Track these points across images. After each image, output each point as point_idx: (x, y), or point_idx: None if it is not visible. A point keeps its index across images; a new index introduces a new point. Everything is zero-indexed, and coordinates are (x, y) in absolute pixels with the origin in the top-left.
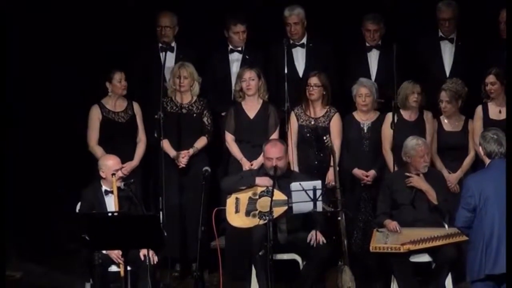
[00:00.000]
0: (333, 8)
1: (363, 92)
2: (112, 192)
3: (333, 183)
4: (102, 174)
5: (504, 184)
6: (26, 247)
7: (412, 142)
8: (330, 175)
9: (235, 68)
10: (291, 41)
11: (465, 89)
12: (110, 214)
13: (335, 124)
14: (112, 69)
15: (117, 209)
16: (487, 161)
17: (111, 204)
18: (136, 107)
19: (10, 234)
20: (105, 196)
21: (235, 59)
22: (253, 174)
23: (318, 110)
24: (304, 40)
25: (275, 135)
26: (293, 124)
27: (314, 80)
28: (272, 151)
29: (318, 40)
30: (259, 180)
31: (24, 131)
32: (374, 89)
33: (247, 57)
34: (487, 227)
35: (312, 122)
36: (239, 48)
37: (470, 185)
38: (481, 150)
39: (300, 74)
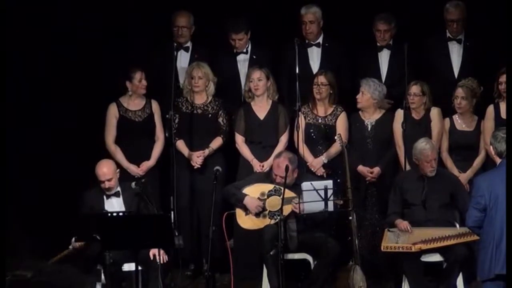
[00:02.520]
0: (345, 8)
1: (362, 90)
2: (113, 195)
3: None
4: None
5: None
6: (38, 246)
7: (421, 145)
8: (316, 162)
9: (243, 68)
10: (307, 41)
11: (480, 89)
12: (121, 213)
13: (342, 123)
14: (132, 68)
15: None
16: (498, 160)
17: (112, 207)
18: (155, 105)
19: (22, 233)
20: (105, 199)
21: (242, 60)
22: (264, 176)
23: (325, 109)
24: (320, 40)
25: (285, 136)
26: (300, 123)
27: (321, 79)
28: (278, 170)
29: (332, 40)
30: (247, 201)
31: (45, 131)
32: (371, 89)
33: (254, 57)
34: (497, 227)
35: (319, 121)
36: (244, 51)
37: (480, 185)
38: (492, 150)
39: (314, 73)
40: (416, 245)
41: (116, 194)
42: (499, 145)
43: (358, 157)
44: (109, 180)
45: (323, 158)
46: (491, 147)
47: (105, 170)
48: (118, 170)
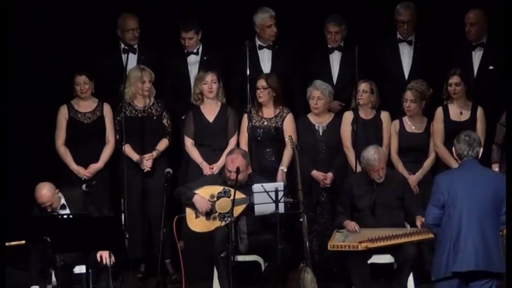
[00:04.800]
0: (295, 9)
1: (315, 95)
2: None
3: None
4: None
5: (473, 184)
6: None
7: (369, 154)
8: (280, 176)
9: (193, 70)
10: (259, 43)
11: (430, 91)
12: (72, 216)
13: (289, 125)
14: (76, 71)
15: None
16: (459, 161)
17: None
18: (107, 108)
19: None
20: (60, 210)
21: (192, 62)
22: (214, 178)
23: (270, 111)
24: (271, 41)
25: (234, 138)
26: (246, 125)
27: (261, 83)
28: (232, 165)
29: (283, 42)
30: (197, 199)
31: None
32: (327, 92)
33: (204, 57)
34: (455, 225)
35: (265, 123)
36: (195, 51)
37: (440, 182)
38: (453, 150)
39: None
40: (362, 244)
41: (63, 207)
42: (459, 146)
43: (311, 161)
44: (49, 205)
45: (282, 168)
46: (454, 148)
47: (44, 199)
48: (57, 190)
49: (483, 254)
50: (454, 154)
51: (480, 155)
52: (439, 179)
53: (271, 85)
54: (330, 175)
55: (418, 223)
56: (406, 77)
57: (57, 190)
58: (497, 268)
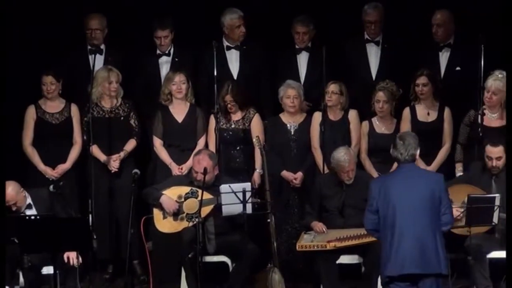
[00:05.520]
0: (263, 10)
1: (291, 93)
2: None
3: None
4: None
5: (408, 187)
6: None
7: (338, 156)
8: (256, 178)
9: (164, 71)
10: (226, 44)
11: (399, 91)
12: (39, 216)
13: (256, 125)
14: (42, 72)
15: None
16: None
17: None
18: (74, 109)
19: None
20: (26, 210)
21: (164, 62)
22: (182, 178)
23: (237, 115)
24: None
25: (203, 139)
26: (214, 126)
27: (228, 98)
28: (198, 166)
29: (251, 43)
30: (164, 199)
31: None
32: (301, 91)
33: (176, 59)
34: (389, 229)
35: (233, 126)
36: (167, 52)
37: (372, 188)
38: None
39: (235, 76)
40: (331, 243)
41: (29, 207)
42: (394, 151)
43: (282, 161)
44: (14, 203)
45: (258, 170)
46: (391, 152)
47: (8, 198)
48: (22, 189)
49: (417, 256)
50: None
51: (416, 157)
52: (371, 184)
53: (235, 99)
54: (300, 175)
55: None
56: (374, 77)
57: (22, 190)
58: (434, 269)
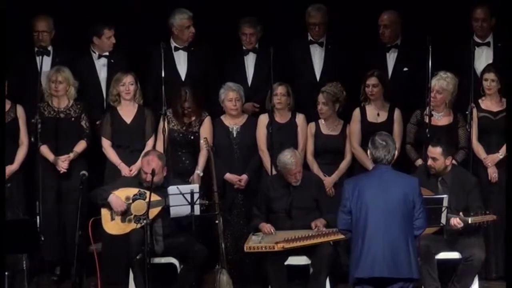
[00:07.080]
0: (210, 11)
1: (233, 96)
2: None
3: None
4: None
5: (381, 189)
6: None
7: (284, 159)
8: (196, 179)
9: (103, 73)
10: (174, 45)
11: (343, 93)
12: None
13: (206, 127)
14: None
15: None
16: (373, 165)
17: None
18: (20, 110)
19: None
20: None
21: (101, 64)
22: (131, 179)
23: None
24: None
25: (152, 140)
26: (165, 127)
27: (186, 105)
28: (147, 167)
29: (199, 44)
30: (112, 199)
31: None
32: (242, 93)
33: (112, 61)
34: (361, 230)
35: (183, 128)
36: (106, 53)
37: (345, 188)
38: (368, 154)
39: (183, 77)
40: (279, 244)
41: None
42: (376, 151)
43: (225, 164)
44: None
45: (197, 172)
46: (368, 151)
47: None
48: None
49: (387, 260)
50: (369, 157)
51: (394, 158)
52: (345, 185)
53: (191, 106)
54: (244, 177)
55: (313, 226)
56: (318, 78)
57: None
58: (404, 273)
